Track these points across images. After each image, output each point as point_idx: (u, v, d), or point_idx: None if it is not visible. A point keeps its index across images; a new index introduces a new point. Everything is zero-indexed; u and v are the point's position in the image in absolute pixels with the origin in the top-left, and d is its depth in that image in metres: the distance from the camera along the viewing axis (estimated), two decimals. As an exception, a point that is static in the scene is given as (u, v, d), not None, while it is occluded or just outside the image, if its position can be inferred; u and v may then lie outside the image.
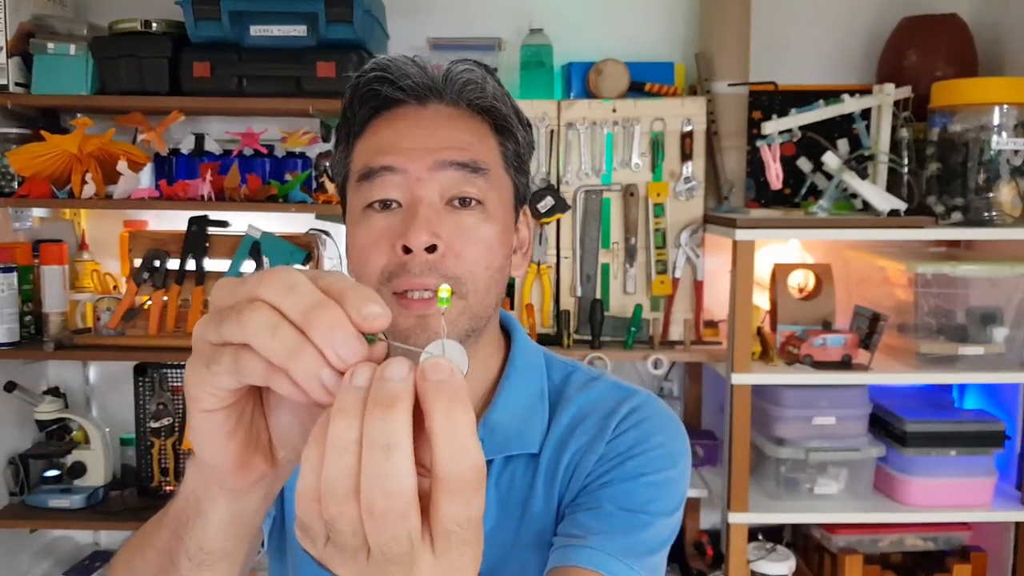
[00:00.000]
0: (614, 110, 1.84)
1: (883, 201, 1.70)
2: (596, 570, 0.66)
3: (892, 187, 1.77)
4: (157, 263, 1.84)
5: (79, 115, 1.84)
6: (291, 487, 0.75)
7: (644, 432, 0.74)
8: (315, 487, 0.34)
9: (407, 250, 0.65)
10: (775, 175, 1.76)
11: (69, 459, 1.91)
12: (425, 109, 0.70)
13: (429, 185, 0.67)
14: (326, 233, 1.89)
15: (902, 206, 1.69)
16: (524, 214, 0.77)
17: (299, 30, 1.70)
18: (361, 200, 0.68)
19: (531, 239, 0.79)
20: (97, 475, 1.92)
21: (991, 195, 1.68)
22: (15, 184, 1.82)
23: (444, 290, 0.39)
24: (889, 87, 1.76)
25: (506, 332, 0.80)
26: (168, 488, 1.91)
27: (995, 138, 1.66)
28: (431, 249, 0.65)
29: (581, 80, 1.90)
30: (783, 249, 1.99)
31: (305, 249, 1.84)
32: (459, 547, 0.34)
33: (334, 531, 0.34)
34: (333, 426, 0.33)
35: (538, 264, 1.87)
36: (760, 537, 1.90)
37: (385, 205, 0.67)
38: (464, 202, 0.68)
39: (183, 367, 1.88)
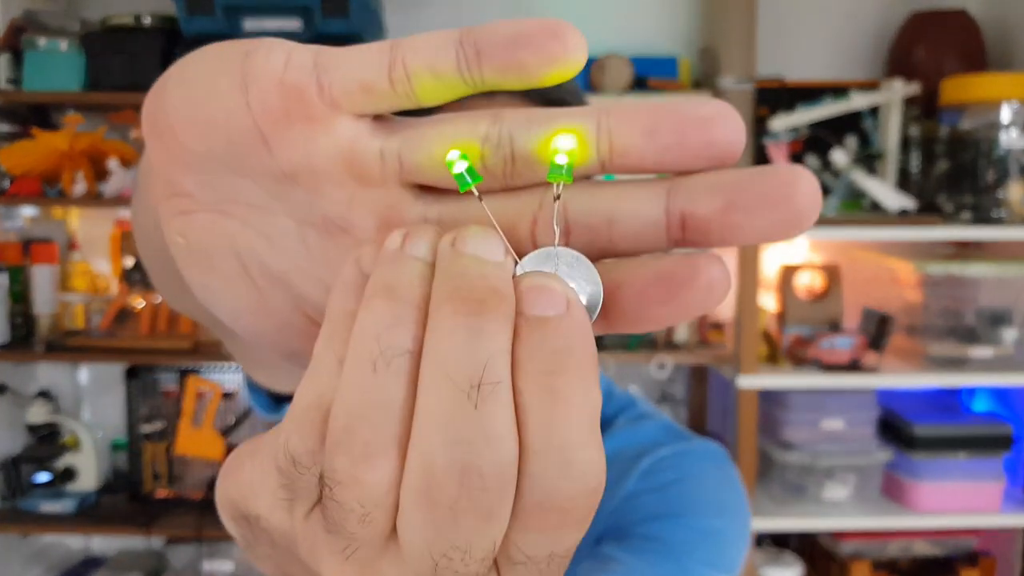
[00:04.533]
0: (617, 107, 1.81)
1: (892, 199, 1.66)
2: None
3: (901, 185, 1.74)
4: (150, 263, 1.80)
5: (71, 111, 1.81)
6: None
7: (686, 473, 0.64)
8: (325, 402, 0.20)
9: None
10: (781, 173, 1.72)
11: (60, 463, 1.88)
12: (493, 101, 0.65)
13: None
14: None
15: (911, 204, 1.66)
16: None
17: (294, 24, 1.66)
18: None
19: None
20: (89, 480, 1.88)
21: (1000, 194, 1.64)
22: (6, 183, 1.79)
23: (564, 150, 0.20)
24: (898, 84, 1.73)
25: None
26: (161, 493, 1.88)
27: (1003, 135, 1.63)
28: None
29: (583, 75, 1.87)
30: (790, 249, 1.95)
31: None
32: None
33: (334, 498, 0.20)
34: (368, 312, 0.19)
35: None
36: (767, 542, 1.86)
37: None
38: None
39: (175, 370, 1.86)
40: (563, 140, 0.20)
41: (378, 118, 0.22)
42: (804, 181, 0.19)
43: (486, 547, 0.19)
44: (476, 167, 0.21)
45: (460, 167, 0.20)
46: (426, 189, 0.22)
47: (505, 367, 0.18)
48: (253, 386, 0.59)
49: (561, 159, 0.20)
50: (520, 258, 0.20)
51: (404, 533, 0.19)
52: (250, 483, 0.22)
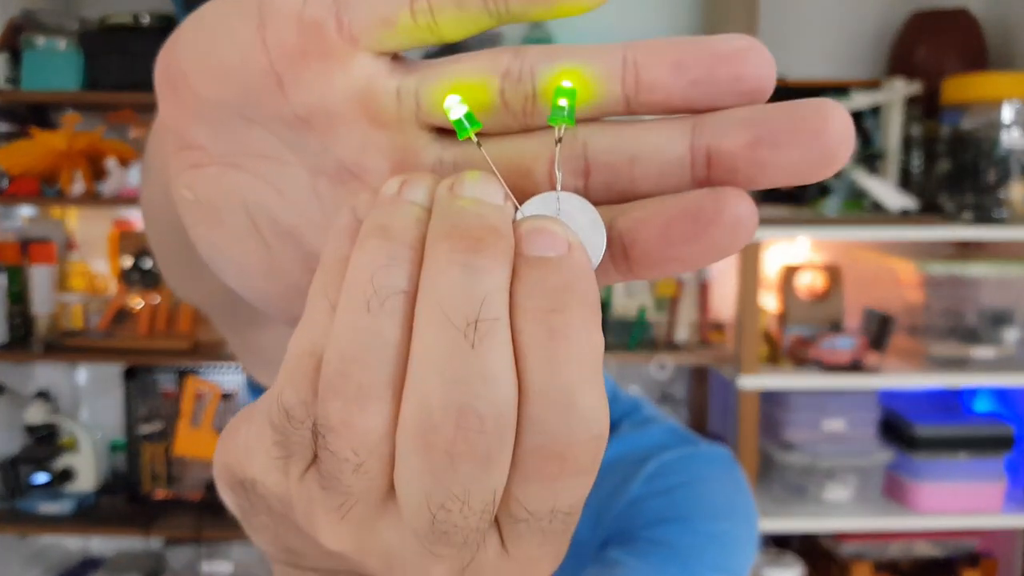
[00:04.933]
0: (617, 106, 1.80)
1: (893, 199, 1.66)
2: None
3: (903, 185, 1.73)
4: (148, 263, 1.79)
5: (70, 111, 1.81)
6: None
7: (693, 477, 0.63)
8: (319, 350, 0.19)
9: None
10: (782, 173, 1.72)
11: (58, 464, 1.87)
12: None
13: None
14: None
15: (913, 204, 1.66)
16: None
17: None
18: None
19: None
20: (87, 481, 1.87)
21: (1001, 194, 1.64)
22: (4, 183, 1.78)
23: (563, 90, 0.19)
24: (899, 84, 1.73)
25: None
26: (160, 494, 1.87)
27: (1005, 135, 1.63)
28: None
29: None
30: (791, 249, 1.95)
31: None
32: (532, 537, 0.20)
33: (328, 449, 0.19)
34: (361, 252, 0.19)
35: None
36: (767, 543, 1.86)
37: None
38: None
39: (174, 371, 1.86)
40: (564, 81, 0.19)
41: (397, 58, 0.21)
42: (835, 114, 0.18)
43: (485, 497, 0.18)
44: (494, 104, 0.20)
45: (458, 112, 0.20)
46: (444, 131, 0.21)
47: (503, 305, 0.18)
48: (254, 387, 0.58)
49: (564, 100, 0.19)
50: (521, 204, 0.20)
51: (400, 484, 0.19)
52: (246, 445, 0.21)
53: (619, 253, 0.20)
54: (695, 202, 0.19)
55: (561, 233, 0.18)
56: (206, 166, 0.23)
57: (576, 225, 0.19)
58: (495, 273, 0.18)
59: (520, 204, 0.20)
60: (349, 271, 0.19)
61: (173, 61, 0.22)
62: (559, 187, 0.20)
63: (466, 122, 0.20)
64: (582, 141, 0.20)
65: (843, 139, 0.18)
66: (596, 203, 0.20)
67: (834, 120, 0.18)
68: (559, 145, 0.20)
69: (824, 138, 0.18)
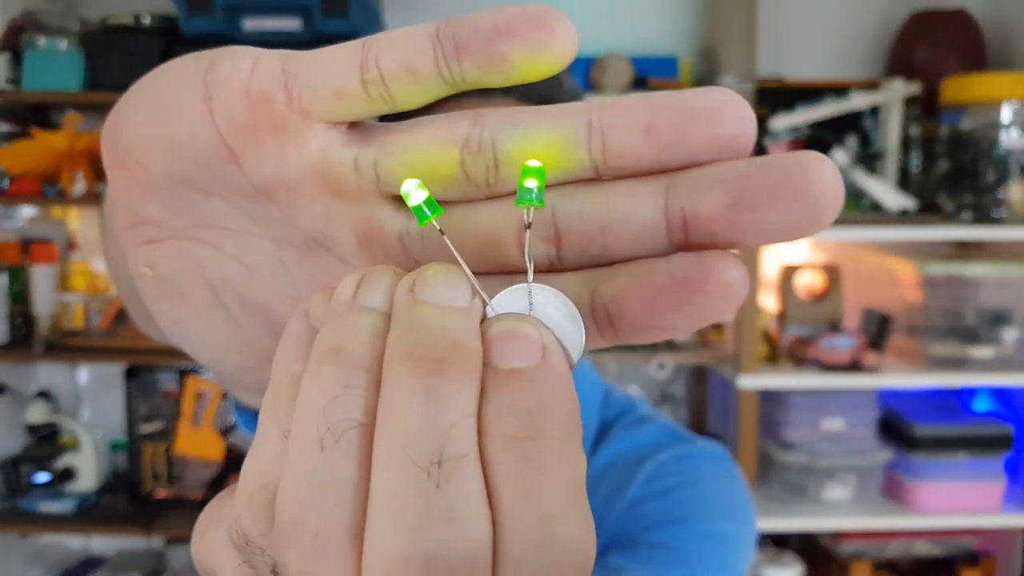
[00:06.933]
0: (617, 107, 1.80)
1: (892, 199, 1.66)
2: None
3: (902, 185, 1.74)
4: (149, 263, 1.80)
5: (71, 111, 1.81)
6: None
7: (690, 477, 0.62)
8: (272, 481, 0.18)
9: None
10: (782, 173, 1.72)
11: (60, 463, 1.88)
12: (487, 101, 0.62)
13: None
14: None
15: (912, 204, 1.66)
16: None
17: (293, 23, 1.66)
18: None
19: None
20: (88, 480, 1.88)
21: (1000, 194, 1.64)
22: (5, 183, 1.79)
23: (530, 170, 0.18)
24: (898, 84, 1.73)
25: None
26: (161, 493, 1.87)
27: (1004, 135, 1.63)
28: None
29: (583, 75, 1.86)
30: (790, 249, 1.95)
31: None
32: None
33: None
34: (313, 381, 0.17)
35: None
36: (766, 542, 1.86)
37: None
38: None
39: (175, 370, 1.86)
40: (531, 162, 0.18)
41: (354, 125, 0.20)
42: (820, 169, 0.17)
43: None
44: (455, 177, 0.19)
45: (417, 198, 0.18)
46: None
47: (470, 437, 0.16)
48: (239, 405, 0.57)
49: (531, 182, 0.18)
50: (490, 296, 0.18)
51: None
52: (215, 552, 0.20)
53: (604, 321, 0.19)
54: (680, 269, 0.18)
55: (534, 336, 0.17)
56: (162, 241, 0.22)
57: (551, 320, 0.18)
58: (460, 399, 0.16)
59: (486, 278, 0.18)
60: (299, 402, 0.17)
61: (118, 134, 0.20)
62: (531, 278, 0.18)
63: (426, 209, 0.18)
64: (550, 207, 0.19)
65: (830, 196, 0.17)
66: (572, 269, 0.19)
67: (818, 176, 0.17)
68: (529, 231, 0.18)
69: (808, 196, 0.17)
